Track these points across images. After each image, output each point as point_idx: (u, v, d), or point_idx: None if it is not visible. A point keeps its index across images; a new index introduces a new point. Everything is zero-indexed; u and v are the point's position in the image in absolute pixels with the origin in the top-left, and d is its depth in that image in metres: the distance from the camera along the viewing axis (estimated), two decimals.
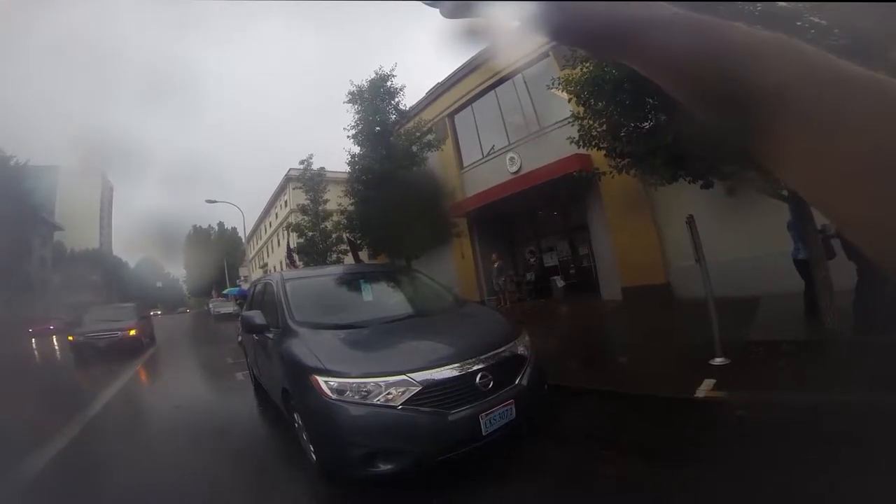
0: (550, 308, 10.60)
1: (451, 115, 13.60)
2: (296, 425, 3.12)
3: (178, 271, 57.99)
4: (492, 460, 2.83)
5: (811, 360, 4.11)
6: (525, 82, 11.31)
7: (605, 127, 5.14)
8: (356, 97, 10.24)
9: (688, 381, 4.05)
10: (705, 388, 3.89)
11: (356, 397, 2.55)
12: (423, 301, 4.13)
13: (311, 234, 14.81)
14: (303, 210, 15.26)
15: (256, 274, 29.69)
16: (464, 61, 12.40)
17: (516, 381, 2.93)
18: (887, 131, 0.29)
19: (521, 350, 3.14)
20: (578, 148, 5.67)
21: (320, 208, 15.12)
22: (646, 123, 4.84)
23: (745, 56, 0.35)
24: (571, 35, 0.42)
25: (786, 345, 4.61)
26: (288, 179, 25.01)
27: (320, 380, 2.62)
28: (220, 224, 52.96)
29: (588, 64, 4.87)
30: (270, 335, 3.65)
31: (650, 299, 8.63)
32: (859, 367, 3.65)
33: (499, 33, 0.42)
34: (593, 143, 5.38)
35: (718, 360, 4.39)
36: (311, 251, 14.64)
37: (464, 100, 13.02)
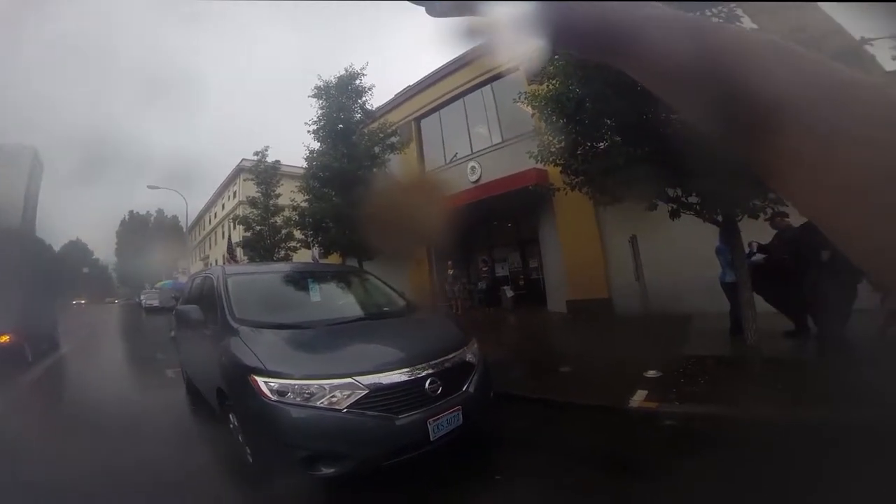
0: (499, 317, 10.80)
1: (418, 119, 13.61)
2: (231, 426, 2.99)
3: (108, 258, 53.51)
4: (438, 465, 2.85)
5: (733, 375, 4.45)
6: (493, 93, 11.53)
7: (563, 144, 5.33)
8: (322, 92, 10.00)
9: (623, 391, 4.27)
10: (638, 398, 4.13)
11: (298, 399, 2.49)
12: (373, 304, 4.10)
13: (259, 228, 14.21)
14: (252, 203, 14.63)
15: (196, 266, 28.07)
16: (437, 67, 12.49)
17: (464, 388, 2.96)
18: (888, 139, 0.28)
19: (469, 357, 3.18)
20: (536, 163, 5.84)
21: (271, 202, 14.55)
22: (601, 144, 5.08)
23: (742, 58, 0.33)
24: (565, 36, 0.41)
25: (711, 360, 4.98)
26: (240, 170, 23.86)
27: (260, 380, 2.54)
28: (160, 211, 49.51)
29: (554, 81, 5.04)
30: (208, 332, 3.50)
31: (593, 313, 9.01)
32: (774, 382, 4.01)
33: (491, 33, 0.42)
34: (551, 159, 5.57)
35: (651, 373, 4.67)
36: (258, 246, 14.04)
37: (432, 105, 13.08)
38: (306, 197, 10.66)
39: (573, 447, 3.39)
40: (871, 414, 3.06)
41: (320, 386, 2.51)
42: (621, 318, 8.49)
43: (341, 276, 4.72)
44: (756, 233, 5.22)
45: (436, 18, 0.43)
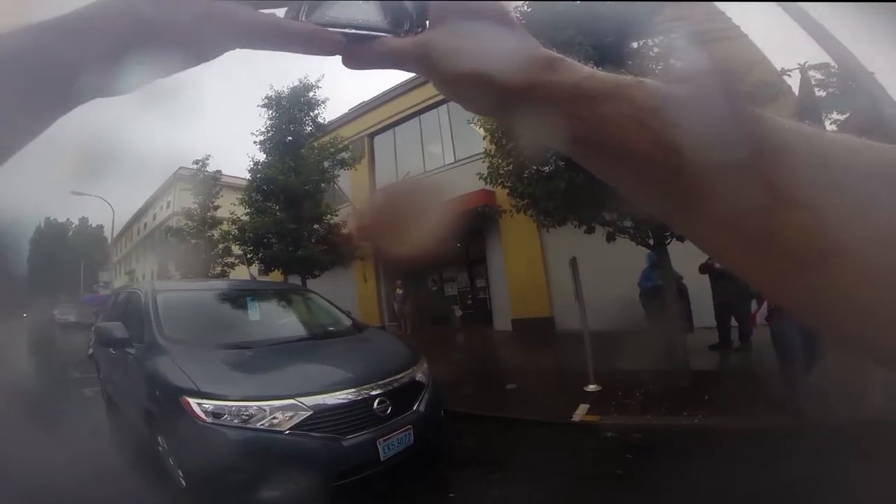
0: (448, 336, 10.83)
1: (372, 136, 13.54)
2: (160, 448, 2.81)
3: (19, 268, 47.36)
4: (391, 485, 2.83)
5: (665, 387, 4.75)
6: (449, 113, 11.72)
7: (511, 167, 5.54)
8: (273, 102, 9.73)
9: (566, 406, 4.44)
10: (581, 412, 4.31)
11: (236, 421, 2.39)
12: (317, 324, 4.03)
13: (194, 241, 13.32)
14: (188, 214, 13.73)
15: (121, 280, 25.77)
16: (394, 83, 12.54)
17: (414, 407, 2.97)
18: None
19: (419, 377, 3.19)
20: (485, 184, 6.01)
21: (209, 214, 13.73)
22: (546, 167, 5.33)
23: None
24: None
25: (644, 374, 5.29)
26: (176, 179, 22.37)
27: (192, 402, 2.42)
28: (83, 219, 45.01)
29: None
30: (133, 350, 3.25)
31: (536, 331, 9.27)
32: (701, 394, 4.31)
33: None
34: (499, 182, 5.76)
35: (592, 387, 4.88)
36: (192, 261, 13.13)
37: (387, 122, 13.06)
38: (247, 210, 10.23)
39: (523, 462, 3.49)
40: (780, 420, 3.43)
41: (260, 407, 2.42)
42: (563, 336, 8.79)
43: (283, 295, 4.57)
44: (684, 255, 5.67)
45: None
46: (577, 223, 5.49)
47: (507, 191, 5.80)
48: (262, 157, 10.00)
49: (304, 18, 0.36)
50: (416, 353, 3.49)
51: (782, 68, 5.32)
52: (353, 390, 2.67)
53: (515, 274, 10.14)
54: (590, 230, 5.53)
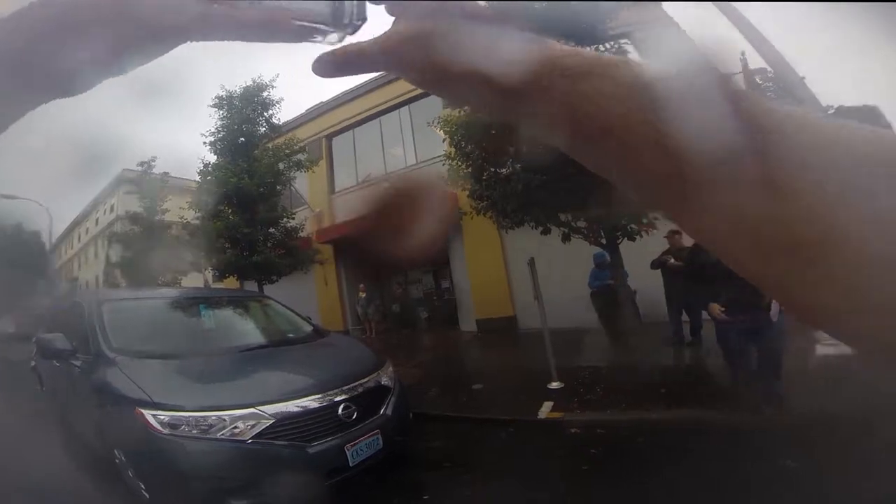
0: (414, 339, 10.79)
1: (330, 137, 13.25)
2: (117, 461, 2.69)
3: None
4: (365, 489, 2.82)
5: (623, 382, 4.93)
6: (411, 115, 11.66)
7: (470, 169, 5.61)
8: (224, 102, 9.33)
9: (531, 404, 4.53)
10: (545, 410, 4.40)
11: (194, 432, 2.34)
12: (276, 330, 3.96)
13: (141, 247, 12.57)
14: (133, 219, 12.94)
15: (62, 288, 23.91)
16: (354, 84, 12.33)
17: (381, 412, 2.97)
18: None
19: (385, 380, 3.18)
20: (445, 187, 6.05)
21: (157, 218, 13.00)
22: (504, 170, 5.44)
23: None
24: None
25: (604, 370, 5.48)
26: (120, 181, 20.92)
27: (147, 413, 2.36)
28: (17, 225, 41.09)
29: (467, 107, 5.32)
30: (77, 363, 3.12)
31: (500, 330, 9.41)
32: (657, 388, 4.50)
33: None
34: (459, 184, 5.81)
35: (555, 385, 4.99)
36: (138, 268, 12.39)
37: (346, 123, 12.81)
38: (198, 214, 9.77)
39: (493, 461, 3.56)
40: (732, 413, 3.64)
41: (219, 417, 2.38)
42: (525, 335, 8.96)
43: (238, 302, 4.44)
44: (636, 253, 5.91)
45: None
46: (534, 224, 5.63)
47: (466, 193, 5.87)
48: (213, 158, 9.59)
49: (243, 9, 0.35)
50: (381, 357, 3.49)
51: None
52: (316, 397, 2.65)
53: (478, 275, 10.25)
54: (546, 231, 5.68)
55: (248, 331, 3.84)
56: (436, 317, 12.17)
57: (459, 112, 5.47)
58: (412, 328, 11.97)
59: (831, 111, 4.40)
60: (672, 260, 5.79)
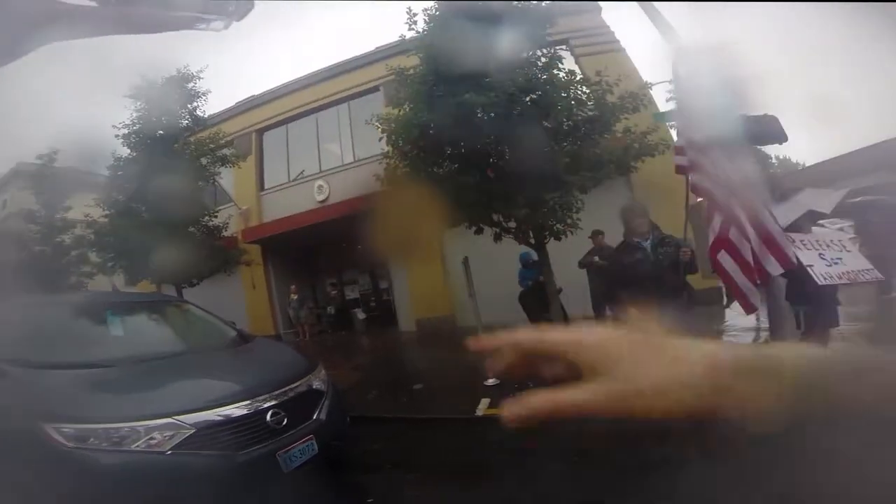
0: (351, 340, 10.56)
1: (261, 132, 12.54)
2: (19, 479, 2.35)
3: None
4: (304, 496, 2.72)
5: (554, 378, 5.14)
6: (350, 112, 11.36)
7: (408, 168, 5.55)
8: (142, 93, 8.49)
9: (469, 402, 4.60)
10: (483, 406, 4.50)
11: (105, 444, 2.18)
12: (195, 336, 3.69)
13: (38, 248, 11.04)
14: (28, 217, 11.34)
15: None
16: (292, 77, 11.86)
17: (315, 416, 2.89)
18: None
19: (317, 384, 3.09)
20: (382, 186, 5.95)
21: (58, 216, 11.49)
22: (440, 170, 5.44)
23: None
24: None
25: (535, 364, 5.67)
26: (14, 175, 18.11)
27: (48, 427, 2.17)
28: None
29: (408, 105, 5.25)
30: None
31: (439, 329, 9.43)
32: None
33: None
34: (396, 183, 5.74)
35: (491, 381, 5.08)
36: (37, 271, 10.86)
37: (280, 118, 12.16)
38: (106, 212, 8.81)
39: (435, 460, 3.60)
40: None
41: (132, 428, 2.22)
42: (464, 333, 9.07)
43: (152, 307, 4.08)
44: (563, 251, 6.20)
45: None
46: (466, 224, 5.71)
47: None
48: (125, 151, 8.69)
49: (113, 1, 0.29)
50: (312, 361, 3.40)
51: (647, 81, 6.12)
52: (241, 404, 2.53)
53: (416, 274, 10.23)
54: (479, 231, 5.78)
55: (164, 337, 3.54)
56: (374, 318, 11.98)
57: (399, 110, 5.40)
58: (349, 330, 11.68)
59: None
60: (597, 259, 6.19)
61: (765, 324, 4.54)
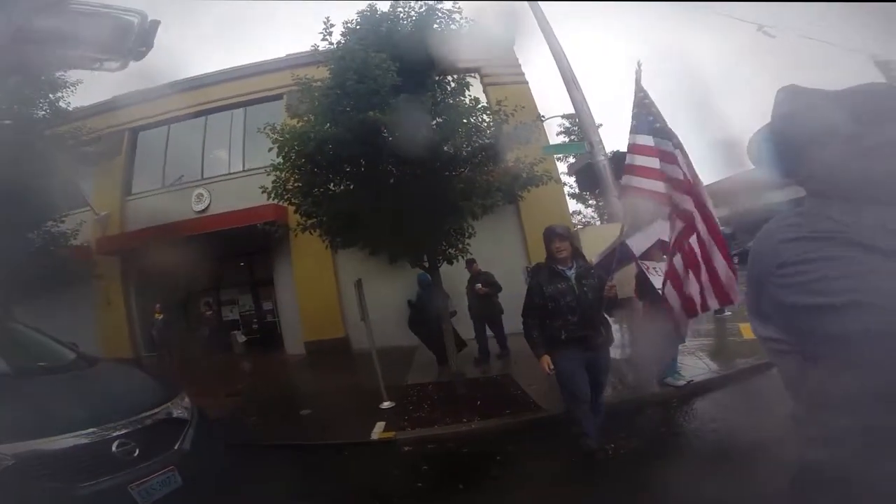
0: (231, 365, 9.54)
1: (136, 131, 10.99)
2: None
3: None
4: None
5: (447, 397, 5.21)
6: (246, 118, 10.52)
7: (300, 183, 5.22)
8: None
9: (364, 425, 4.47)
10: (378, 430, 4.39)
11: None
12: (22, 357, 3.06)
13: None
14: None
15: None
16: (185, 76, 10.51)
17: (176, 446, 2.62)
18: None
19: (178, 412, 2.83)
20: (269, 199, 5.56)
21: None
22: (336, 188, 5.24)
23: None
24: None
25: (429, 386, 5.72)
26: None
27: None
28: None
29: (308, 117, 4.99)
30: None
31: (331, 352, 9.01)
32: (477, 401, 4.87)
33: None
34: (285, 198, 5.36)
35: (386, 404, 5.01)
36: None
37: (162, 117, 10.68)
38: None
39: (326, 488, 3.46)
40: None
41: None
42: (358, 355, 8.79)
43: None
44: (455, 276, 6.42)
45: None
46: (360, 246, 5.60)
47: (294, 208, 5.47)
48: None
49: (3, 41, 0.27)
50: (172, 387, 3.12)
51: (540, 114, 6.65)
52: (81, 432, 2.26)
53: (307, 295, 9.71)
54: (373, 252, 5.70)
55: None
56: (256, 340, 11.01)
57: (298, 121, 5.12)
58: (227, 353, 10.52)
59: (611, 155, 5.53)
60: (479, 286, 6.59)
61: None
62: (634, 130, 3.38)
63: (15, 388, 2.58)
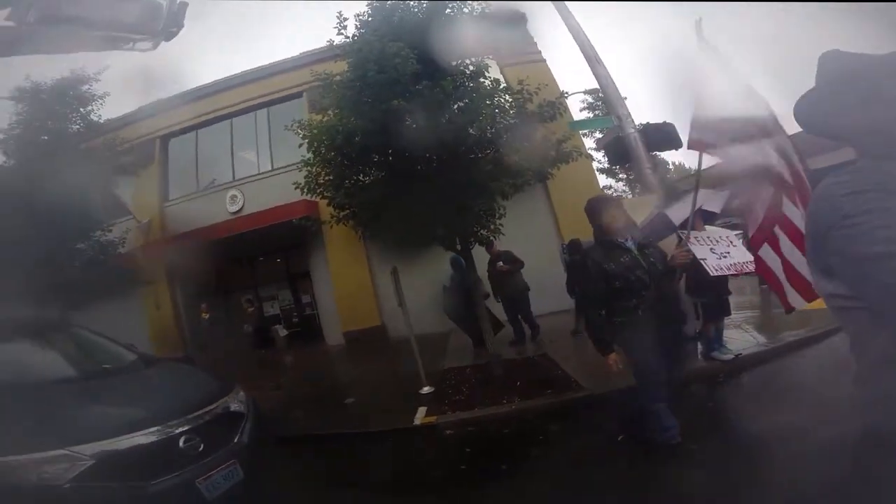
0: (274, 359, 9.92)
1: (166, 138, 11.40)
2: None
3: None
4: None
5: (485, 380, 5.22)
6: (269, 118, 10.77)
7: (331, 176, 5.32)
8: (25, 95, 7.40)
9: (406, 412, 4.54)
10: (420, 415, 4.45)
11: None
12: (87, 361, 3.24)
13: None
14: None
15: None
16: (205, 81, 10.96)
17: (236, 439, 2.69)
18: None
19: (235, 406, 2.90)
20: (302, 194, 5.67)
21: None
22: (366, 178, 5.30)
23: None
24: None
25: (467, 370, 5.76)
26: None
27: None
28: None
29: (331, 112, 5.05)
30: None
31: (369, 341, 9.21)
32: (516, 383, 4.87)
33: None
34: (318, 192, 5.47)
35: (426, 389, 5.08)
36: None
37: (188, 123, 11.10)
38: None
39: (374, 475, 3.52)
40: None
41: (18, 462, 2.04)
42: (395, 343, 8.96)
43: (29, 331, 3.48)
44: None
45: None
46: (393, 233, 5.64)
47: (326, 201, 5.57)
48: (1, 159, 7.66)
49: (31, 20, 0.26)
50: (227, 382, 3.19)
51: (563, 91, 6.49)
52: (147, 431, 2.31)
53: (342, 286, 9.92)
54: (406, 239, 5.73)
55: (48, 363, 3.05)
56: (297, 333, 11.38)
57: (323, 116, 5.19)
58: (270, 348, 10.95)
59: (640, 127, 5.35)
60: (500, 263, 6.53)
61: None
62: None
63: (85, 391, 2.71)
